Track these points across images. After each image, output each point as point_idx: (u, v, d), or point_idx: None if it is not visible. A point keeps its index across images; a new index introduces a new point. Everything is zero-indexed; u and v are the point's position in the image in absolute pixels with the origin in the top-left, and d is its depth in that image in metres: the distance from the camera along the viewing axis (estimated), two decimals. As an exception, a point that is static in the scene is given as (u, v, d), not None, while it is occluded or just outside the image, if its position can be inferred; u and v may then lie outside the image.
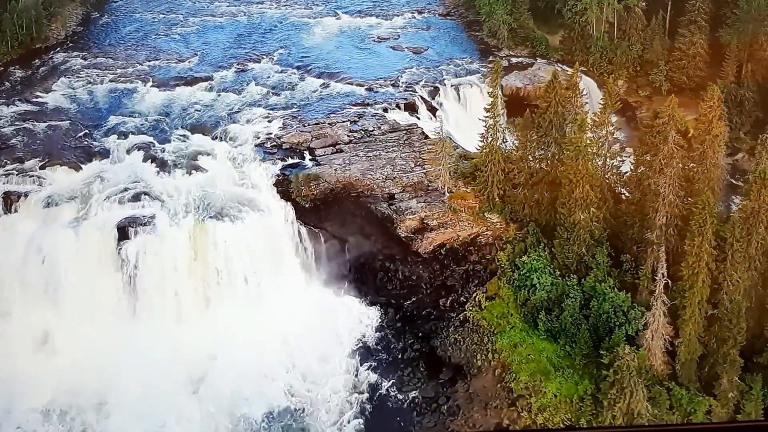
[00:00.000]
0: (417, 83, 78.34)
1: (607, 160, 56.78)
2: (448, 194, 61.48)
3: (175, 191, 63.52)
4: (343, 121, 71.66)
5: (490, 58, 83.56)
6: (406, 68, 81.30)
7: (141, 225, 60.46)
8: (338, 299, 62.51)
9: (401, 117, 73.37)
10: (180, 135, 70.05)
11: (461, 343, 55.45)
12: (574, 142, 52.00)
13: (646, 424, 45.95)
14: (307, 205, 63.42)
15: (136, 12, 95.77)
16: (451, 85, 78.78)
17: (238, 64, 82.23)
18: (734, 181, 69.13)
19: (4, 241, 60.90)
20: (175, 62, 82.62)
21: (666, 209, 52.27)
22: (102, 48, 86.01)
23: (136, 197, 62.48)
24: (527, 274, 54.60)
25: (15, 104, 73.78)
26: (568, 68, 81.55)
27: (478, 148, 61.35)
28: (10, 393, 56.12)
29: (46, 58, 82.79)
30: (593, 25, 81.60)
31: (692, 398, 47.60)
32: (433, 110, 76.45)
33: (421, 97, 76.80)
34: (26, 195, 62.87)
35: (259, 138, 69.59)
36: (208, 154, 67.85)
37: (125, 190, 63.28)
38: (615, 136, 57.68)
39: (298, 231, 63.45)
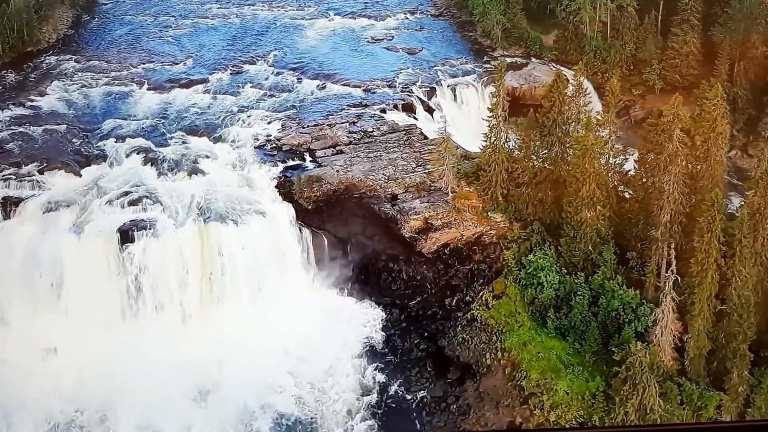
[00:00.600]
0: (413, 84, 78.52)
1: (610, 158, 57.14)
2: (451, 194, 61.63)
3: (177, 194, 63.10)
4: (342, 123, 71.65)
5: (485, 59, 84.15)
6: (402, 69, 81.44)
7: (143, 229, 59.92)
8: (342, 300, 62.47)
9: (399, 118, 73.50)
10: (178, 138, 69.63)
11: (469, 343, 55.61)
12: (580, 140, 52.39)
13: (658, 421, 46.42)
14: (309, 207, 63.25)
15: (127, 14, 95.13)
16: (448, 86, 79.06)
17: (233, 67, 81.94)
18: (727, 178, 70.02)
19: (3, 247, 60.20)
20: (170, 65, 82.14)
21: (670, 207, 52.78)
22: (95, 51, 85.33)
23: (137, 201, 61.98)
24: (534, 273, 54.87)
25: (9, 108, 72.97)
26: (562, 68, 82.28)
27: (481, 147, 61.56)
28: (11, 403, 55.48)
29: (39, 62, 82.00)
30: (587, 24, 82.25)
31: (702, 393, 48.09)
32: (430, 111, 76.71)
33: (418, 97, 77.01)
34: (25, 200, 62.19)
35: (258, 140, 69.38)
36: (208, 157, 67.49)
37: (126, 194, 62.76)
38: (618, 135, 58.06)
39: (301, 233, 63.31)
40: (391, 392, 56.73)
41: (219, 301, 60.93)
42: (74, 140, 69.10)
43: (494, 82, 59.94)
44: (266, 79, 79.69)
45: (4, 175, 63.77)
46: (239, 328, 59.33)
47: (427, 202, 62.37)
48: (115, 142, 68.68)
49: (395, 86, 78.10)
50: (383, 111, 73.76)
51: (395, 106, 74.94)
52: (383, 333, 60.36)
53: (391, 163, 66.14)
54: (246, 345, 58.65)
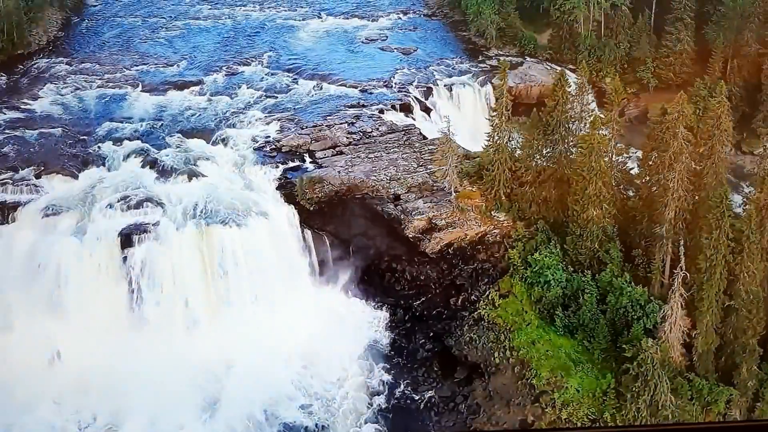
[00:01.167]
0: (410, 84, 78.54)
1: (613, 156, 57.47)
2: (454, 194, 61.65)
3: (177, 197, 62.59)
4: (341, 123, 71.50)
5: (480, 58, 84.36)
6: (398, 69, 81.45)
7: (145, 232, 59.43)
8: (346, 301, 62.28)
9: (397, 118, 73.50)
10: (176, 140, 69.11)
11: (477, 342, 55.62)
12: (587, 139, 52.60)
13: (670, 417, 46.70)
14: (312, 208, 62.99)
15: (116, 16, 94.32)
16: (444, 86, 79.13)
17: (227, 68, 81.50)
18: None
19: (2, 252, 59.40)
20: (164, 66, 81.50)
21: (675, 204, 53.13)
22: (86, 53, 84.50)
23: (137, 204, 61.42)
24: (540, 271, 55.00)
25: (2, 112, 72.20)
26: (557, 67, 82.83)
27: (484, 147, 61.67)
28: (13, 411, 54.70)
29: (30, 65, 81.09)
30: (581, 23, 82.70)
31: (712, 388, 48.47)
32: (427, 111, 76.77)
33: (416, 97, 77.01)
34: (23, 205, 61.36)
35: (257, 142, 69.04)
36: (207, 159, 67.02)
37: (126, 197, 62.17)
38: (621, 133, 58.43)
39: (304, 234, 63.01)
40: (399, 393, 56.60)
41: (223, 305, 60.49)
42: (70, 143, 68.37)
43: (498, 81, 59.99)
44: (262, 80, 79.33)
45: (0, 179, 62.93)
46: (244, 331, 58.91)
47: (431, 202, 62.34)
48: (113, 145, 68.06)
49: (392, 86, 78.10)
50: (381, 111, 73.69)
51: (393, 107, 74.92)
52: (388, 333, 60.27)
53: (392, 164, 66.05)
54: (251, 348, 58.26)
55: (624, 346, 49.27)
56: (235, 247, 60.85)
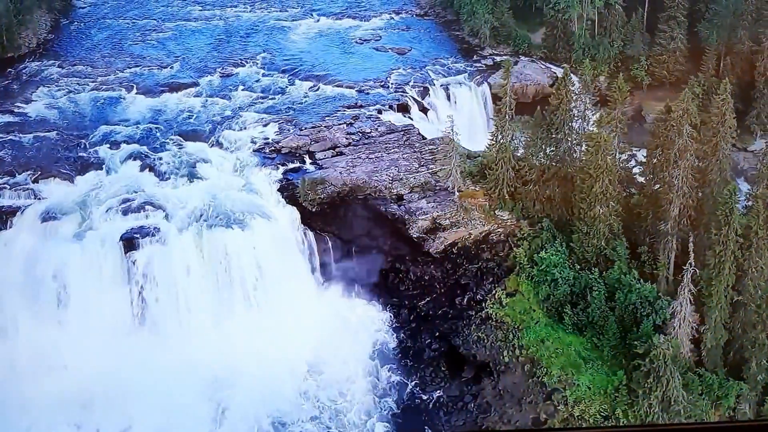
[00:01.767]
0: (406, 84, 78.45)
1: (617, 154, 57.72)
2: (458, 193, 61.64)
3: (178, 200, 62.10)
4: (340, 124, 71.27)
5: (475, 57, 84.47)
6: (393, 69, 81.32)
7: (147, 236, 58.86)
8: (351, 303, 62.07)
9: (395, 118, 73.36)
10: (174, 143, 68.55)
11: (485, 341, 55.65)
12: (594, 137, 52.81)
13: (682, 412, 46.98)
14: (314, 210, 62.68)
15: (106, 18, 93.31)
16: (441, 85, 79.13)
17: (221, 70, 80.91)
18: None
19: (2, 258, 58.51)
20: (157, 69, 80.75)
21: (680, 201, 53.51)
22: (77, 55, 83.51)
23: (138, 208, 60.87)
24: (547, 269, 55.14)
25: (-4, 116, 71.09)
26: (551, 65, 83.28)
27: (487, 146, 61.72)
28: (15, 418, 53.98)
29: (21, 67, 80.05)
30: (575, 22, 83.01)
31: (722, 383, 48.84)
32: (424, 110, 76.70)
33: (413, 97, 76.93)
34: (21, 209, 60.52)
35: (256, 143, 68.62)
36: (207, 162, 66.55)
37: (126, 201, 61.60)
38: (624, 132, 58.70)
39: (307, 236, 62.70)
40: (407, 393, 56.55)
41: (226, 309, 59.99)
42: (66, 147, 67.58)
43: (502, 81, 60.06)
44: (257, 81, 78.89)
45: (-3, 184, 62.11)
46: (249, 337, 58.43)
47: (434, 202, 62.29)
48: (110, 148, 67.43)
49: (388, 86, 77.96)
50: (379, 112, 73.55)
51: (390, 107, 74.79)
52: (394, 334, 60.17)
53: (394, 164, 65.91)
54: (256, 355, 57.75)
55: (634, 342, 49.52)
56: (238, 250, 60.44)
